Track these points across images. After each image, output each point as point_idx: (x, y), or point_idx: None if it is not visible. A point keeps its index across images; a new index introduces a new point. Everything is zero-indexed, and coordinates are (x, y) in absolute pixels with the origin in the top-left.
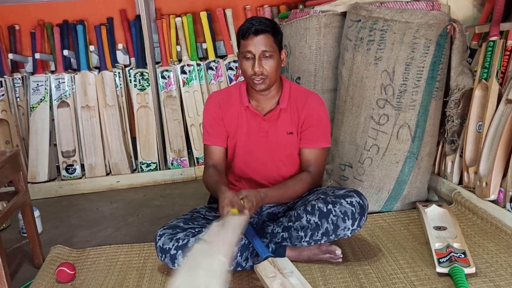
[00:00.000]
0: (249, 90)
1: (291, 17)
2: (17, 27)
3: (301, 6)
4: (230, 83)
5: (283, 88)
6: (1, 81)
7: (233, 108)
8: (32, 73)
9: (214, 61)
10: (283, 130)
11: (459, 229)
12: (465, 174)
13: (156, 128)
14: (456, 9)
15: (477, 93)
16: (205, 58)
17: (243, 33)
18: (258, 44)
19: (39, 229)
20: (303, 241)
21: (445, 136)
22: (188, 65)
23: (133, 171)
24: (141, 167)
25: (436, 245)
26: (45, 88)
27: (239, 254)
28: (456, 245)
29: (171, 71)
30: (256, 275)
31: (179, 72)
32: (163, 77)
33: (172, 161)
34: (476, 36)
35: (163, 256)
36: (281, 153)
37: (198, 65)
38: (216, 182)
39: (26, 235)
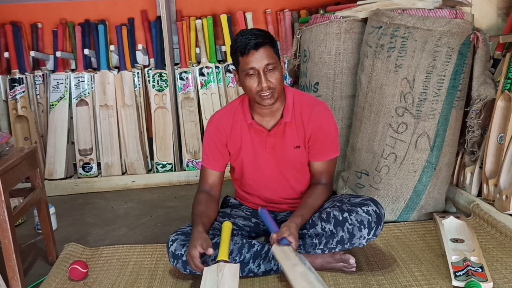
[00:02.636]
0: (251, 106)
1: (311, 22)
2: (39, 25)
3: (321, 11)
4: None
5: (286, 99)
6: (22, 78)
7: (236, 126)
8: (53, 71)
9: (232, 64)
10: (290, 145)
11: (477, 242)
12: (484, 186)
13: (172, 129)
14: (479, 18)
15: (500, 104)
16: (223, 60)
17: (241, 50)
18: (261, 58)
19: (54, 226)
20: (317, 249)
21: (465, 146)
22: (206, 67)
23: (148, 171)
24: (156, 168)
25: (452, 258)
26: (65, 86)
27: (251, 261)
28: (473, 258)
29: (189, 72)
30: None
31: (197, 74)
32: (181, 78)
33: (188, 162)
34: (500, 46)
35: (175, 261)
36: (290, 167)
37: (216, 67)
38: (200, 214)
39: (40, 231)
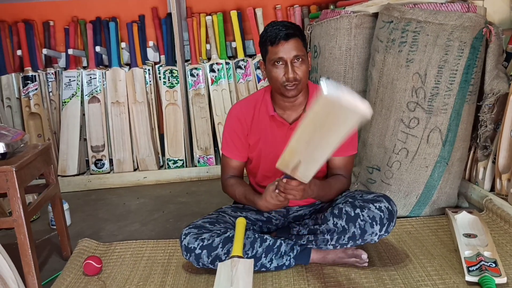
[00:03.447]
0: (274, 98)
1: (321, 17)
2: (51, 23)
3: (332, 6)
4: (258, 82)
5: (309, 93)
6: (35, 75)
7: (256, 117)
8: (65, 69)
9: (243, 60)
10: None
11: (490, 237)
12: (497, 181)
13: (183, 126)
14: (492, 12)
15: None
16: (234, 56)
17: (271, 40)
18: (290, 49)
19: (68, 221)
20: (329, 244)
21: (478, 141)
22: (217, 63)
23: (160, 167)
24: (168, 164)
25: (465, 253)
26: (77, 84)
27: (263, 256)
28: (486, 253)
29: (200, 69)
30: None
31: (208, 70)
32: (192, 75)
33: (199, 158)
34: None
35: (188, 255)
36: None
37: (227, 63)
38: (245, 191)
39: (55, 227)
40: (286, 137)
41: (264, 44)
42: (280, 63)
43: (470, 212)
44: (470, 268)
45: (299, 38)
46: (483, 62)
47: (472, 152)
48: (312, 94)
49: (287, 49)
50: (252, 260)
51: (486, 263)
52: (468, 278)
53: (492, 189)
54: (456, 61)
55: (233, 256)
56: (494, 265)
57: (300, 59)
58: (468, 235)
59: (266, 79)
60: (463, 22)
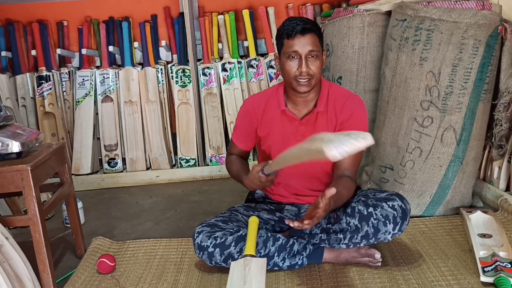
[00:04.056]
0: (287, 93)
1: (334, 15)
2: (65, 23)
3: (344, 5)
4: (271, 81)
5: (321, 89)
6: (49, 75)
7: (267, 111)
8: (79, 68)
9: (255, 59)
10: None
11: (506, 238)
12: None
13: (196, 125)
14: (507, 9)
15: None
16: (246, 56)
17: (288, 33)
18: (305, 43)
19: (82, 220)
20: (342, 244)
21: (493, 140)
22: (229, 62)
23: (172, 166)
24: (180, 163)
25: (480, 253)
26: (90, 83)
27: (276, 255)
28: (502, 254)
29: (212, 68)
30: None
31: (220, 70)
32: (204, 74)
33: (211, 157)
34: None
35: (201, 253)
36: None
37: (239, 62)
38: (239, 169)
39: (69, 225)
40: (296, 132)
41: (281, 37)
42: (295, 56)
43: (485, 212)
44: (485, 269)
45: (315, 34)
46: (498, 60)
47: (487, 151)
48: (323, 92)
49: (302, 43)
50: (265, 259)
51: (501, 264)
52: (483, 278)
53: (507, 188)
54: (471, 59)
55: (246, 255)
56: (510, 265)
57: (315, 55)
58: (483, 235)
59: (280, 75)
60: (478, 20)
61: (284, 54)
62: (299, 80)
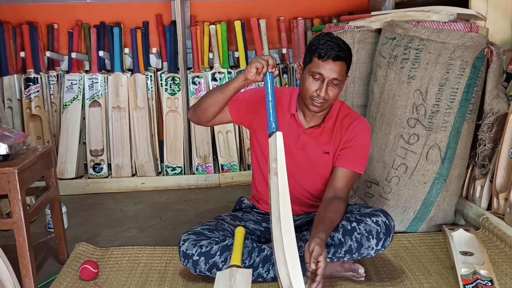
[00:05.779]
0: (299, 101)
1: (325, 31)
2: (55, 26)
3: (335, 21)
4: None
5: (332, 107)
6: (37, 77)
7: (277, 107)
8: (67, 72)
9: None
10: (320, 148)
11: (487, 256)
12: (494, 199)
13: (183, 133)
14: (494, 32)
15: None
16: (236, 66)
17: (320, 53)
18: (333, 70)
19: (65, 225)
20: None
21: (476, 159)
22: (219, 72)
23: (158, 173)
24: (166, 171)
25: (462, 270)
26: (79, 87)
27: (261, 265)
28: (483, 272)
29: (202, 77)
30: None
31: (210, 79)
32: (193, 83)
33: (197, 166)
34: None
35: (186, 261)
36: (313, 170)
37: (229, 73)
38: (218, 86)
39: (52, 230)
40: (298, 139)
41: (312, 52)
42: (318, 78)
43: (467, 230)
44: (466, 286)
45: (345, 64)
46: (484, 82)
47: (470, 170)
48: (334, 109)
49: (330, 69)
50: (251, 270)
51: (482, 282)
52: None
53: (489, 207)
54: (457, 79)
55: (232, 266)
56: (490, 283)
57: (337, 82)
58: (465, 253)
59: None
60: (465, 41)
61: (309, 71)
62: (314, 100)
